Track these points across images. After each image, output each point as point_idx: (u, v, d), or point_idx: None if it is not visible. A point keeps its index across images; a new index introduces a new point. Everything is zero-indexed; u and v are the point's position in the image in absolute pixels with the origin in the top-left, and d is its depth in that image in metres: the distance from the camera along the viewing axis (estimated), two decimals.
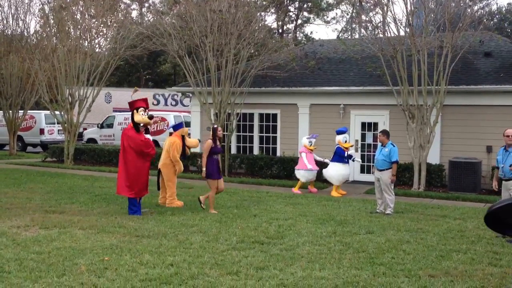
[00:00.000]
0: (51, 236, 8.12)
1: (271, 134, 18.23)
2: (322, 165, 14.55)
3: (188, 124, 23.22)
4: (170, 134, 12.10)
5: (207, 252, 7.32)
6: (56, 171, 18.22)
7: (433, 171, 15.04)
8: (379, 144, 11.46)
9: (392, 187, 11.06)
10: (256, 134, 18.58)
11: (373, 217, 10.52)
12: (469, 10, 15.67)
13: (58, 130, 26.78)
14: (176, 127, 11.98)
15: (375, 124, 16.57)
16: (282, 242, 8.04)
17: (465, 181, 14.21)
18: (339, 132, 14.07)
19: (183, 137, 11.78)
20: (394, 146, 11.02)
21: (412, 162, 14.96)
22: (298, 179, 14.29)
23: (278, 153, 17.95)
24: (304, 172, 14.07)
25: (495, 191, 10.38)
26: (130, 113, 10.42)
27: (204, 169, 10.58)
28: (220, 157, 17.28)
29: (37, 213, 10.07)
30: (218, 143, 10.83)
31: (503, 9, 37.51)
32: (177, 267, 6.56)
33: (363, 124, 16.80)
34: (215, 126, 11.13)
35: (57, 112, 21.12)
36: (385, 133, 11.25)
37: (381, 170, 10.99)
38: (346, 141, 14.00)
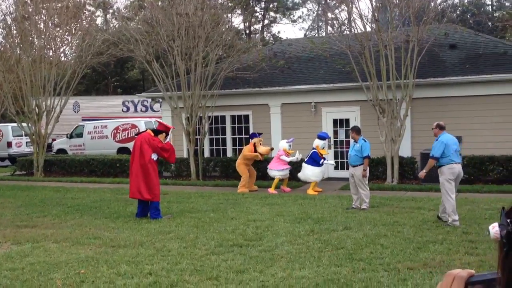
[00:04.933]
0: (24, 252, 7.92)
1: (244, 136, 18.16)
2: (296, 165, 14.62)
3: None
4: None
5: (186, 259, 7.24)
6: (26, 184, 17.83)
7: (405, 163, 15.21)
8: (351, 140, 11.52)
9: (367, 182, 11.15)
10: (228, 136, 18.52)
11: (349, 213, 10.57)
12: (432, 4, 15.90)
13: (26, 142, 26.16)
14: (252, 136, 15.00)
15: (347, 121, 16.67)
16: (261, 244, 8.00)
17: (437, 172, 14.36)
18: (320, 137, 13.89)
19: (254, 145, 14.44)
20: (365, 141, 11.09)
21: (385, 156, 15.10)
22: (272, 179, 14.36)
23: None
24: (276, 172, 14.21)
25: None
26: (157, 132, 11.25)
27: None
28: (193, 160, 17.25)
29: (9, 229, 9.82)
30: None
31: (465, 1, 38.27)
32: (155, 275, 6.46)
33: (334, 121, 16.90)
34: None
35: (24, 124, 20.69)
36: (355, 129, 11.33)
37: (354, 166, 11.07)
38: (323, 148, 13.96)
